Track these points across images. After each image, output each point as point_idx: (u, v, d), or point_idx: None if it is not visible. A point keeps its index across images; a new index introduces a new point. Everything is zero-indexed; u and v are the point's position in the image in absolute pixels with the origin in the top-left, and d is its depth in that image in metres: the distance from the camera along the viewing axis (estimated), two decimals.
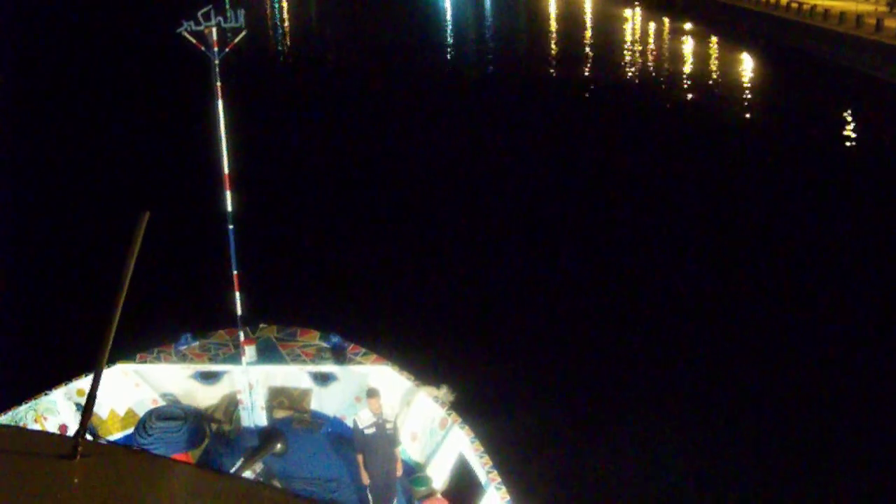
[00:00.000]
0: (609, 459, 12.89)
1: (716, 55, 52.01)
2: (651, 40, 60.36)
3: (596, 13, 75.05)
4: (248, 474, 9.50)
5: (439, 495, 10.18)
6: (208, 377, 12.21)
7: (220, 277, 11.78)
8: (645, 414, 14.03)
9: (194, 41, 10.58)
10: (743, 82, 43.43)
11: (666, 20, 66.76)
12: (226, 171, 10.86)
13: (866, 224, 22.58)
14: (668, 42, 58.75)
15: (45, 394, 11.05)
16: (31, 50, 60.69)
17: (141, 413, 11.57)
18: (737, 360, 15.94)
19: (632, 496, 12.32)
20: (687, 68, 47.53)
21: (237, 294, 11.23)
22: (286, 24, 78.05)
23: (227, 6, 11.06)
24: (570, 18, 72.80)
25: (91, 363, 3.40)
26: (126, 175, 28.35)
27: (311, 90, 43.64)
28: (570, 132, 33.18)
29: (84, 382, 11.24)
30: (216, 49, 10.66)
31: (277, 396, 12.24)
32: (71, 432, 3.77)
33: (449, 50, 57.55)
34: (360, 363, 11.67)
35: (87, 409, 3.19)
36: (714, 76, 45.27)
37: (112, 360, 11.56)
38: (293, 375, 12.13)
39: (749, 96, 40.42)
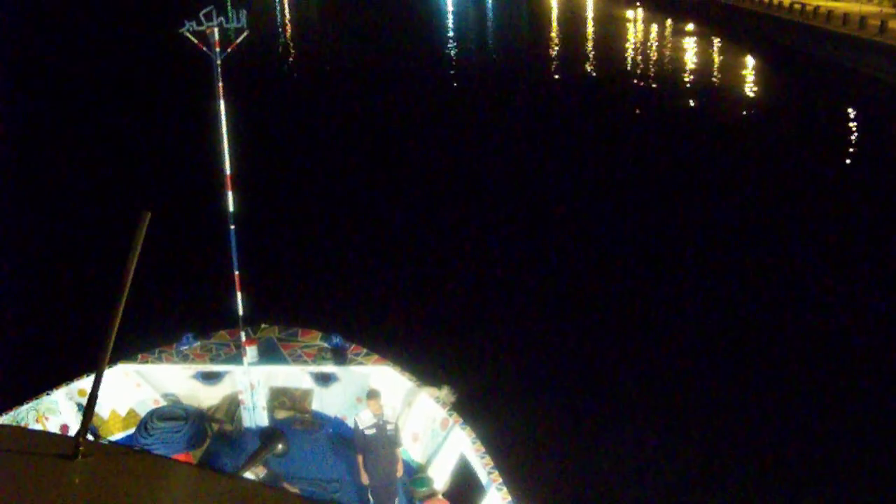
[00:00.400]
0: (610, 460, 12.89)
1: (718, 56, 51.99)
2: (653, 41, 60.35)
3: (597, 14, 75.08)
4: (249, 475, 9.50)
5: (440, 496, 10.16)
6: (210, 377, 12.21)
7: (221, 278, 11.79)
8: (645, 415, 14.04)
9: (196, 41, 10.57)
10: (745, 84, 43.41)
11: (668, 21, 66.76)
12: (227, 171, 10.86)
13: (866, 224, 22.55)
14: (669, 43, 58.71)
15: (47, 394, 11.05)
16: (34, 50, 60.75)
17: (142, 413, 11.57)
18: (736, 360, 15.93)
19: (632, 497, 12.32)
20: (688, 69, 47.50)
21: (239, 294, 11.23)
22: (288, 24, 78.10)
23: (229, 6, 11.05)
24: (572, 20, 72.84)
25: (92, 363, 3.39)
26: (127, 175, 28.38)
27: (312, 90, 43.69)
28: (570, 133, 33.18)
29: (85, 382, 11.24)
30: (218, 49, 10.65)
31: (279, 397, 12.24)
32: (72, 432, 3.77)
33: (450, 50, 57.54)
34: (361, 364, 11.67)
35: (88, 410, 3.19)
36: (716, 77, 45.24)
37: (113, 361, 11.56)
38: (294, 376, 12.13)
39: (751, 98, 40.40)
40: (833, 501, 12.14)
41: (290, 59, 57.89)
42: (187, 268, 19.10)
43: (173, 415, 11.11)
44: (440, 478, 10.53)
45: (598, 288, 19.18)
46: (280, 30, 72.77)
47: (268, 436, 10.30)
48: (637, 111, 37.55)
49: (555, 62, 51.74)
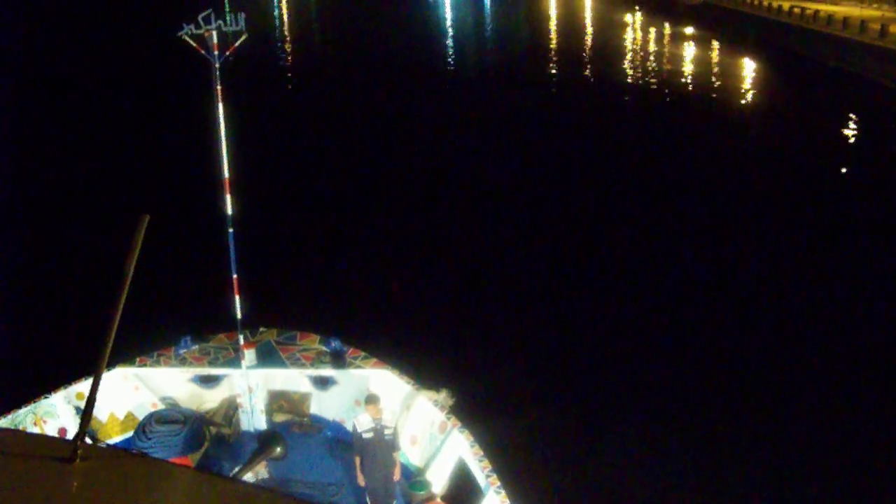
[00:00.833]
0: (609, 463, 12.88)
1: (717, 60, 52.05)
2: (651, 44, 60.42)
3: (596, 17, 75.19)
4: (247, 478, 9.49)
5: (439, 499, 10.15)
6: (208, 381, 12.19)
7: (220, 281, 11.78)
8: (644, 418, 14.03)
9: (195, 45, 10.57)
10: (744, 87, 43.46)
11: (666, 24, 66.85)
12: (226, 174, 10.86)
13: (867, 225, 22.58)
14: (668, 46, 58.80)
15: (45, 397, 11.04)
16: (33, 53, 60.77)
17: (140, 416, 11.55)
18: (736, 361, 15.94)
19: (632, 499, 12.31)
20: (687, 73, 47.58)
21: (237, 298, 11.23)
22: (286, 27, 78.16)
23: (228, 10, 11.05)
24: (571, 23, 72.94)
25: (91, 366, 3.38)
26: (126, 178, 28.36)
27: (311, 93, 43.71)
28: (569, 135, 33.21)
29: (84, 386, 11.23)
30: (216, 53, 10.66)
31: (277, 400, 12.23)
32: (70, 436, 3.76)
33: (449, 53, 57.61)
34: (359, 367, 11.66)
35: (86, 413, 3.18)
36: (715, 81, 45.29)
37: (112, 364, 11.55)
38: (293, 379, 12.12)
39: (750, 101, 40.45)
40: (833, 501, 12.14)
41: (289, 62, 57.93)
42: (186, 271, 19.08)
43: (171, 418, 11.09)
44: (438, 481, 10.52)
45: (597, 289, 19.20)
46: (279, 33, 72.82)
47: (266, 439, 10.29)
48: (635, 114, 37.59)
49: (553, 66, 51.77)
